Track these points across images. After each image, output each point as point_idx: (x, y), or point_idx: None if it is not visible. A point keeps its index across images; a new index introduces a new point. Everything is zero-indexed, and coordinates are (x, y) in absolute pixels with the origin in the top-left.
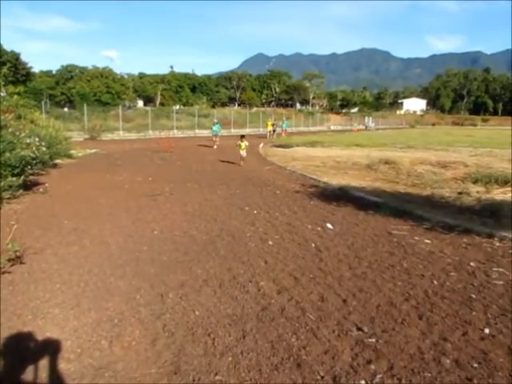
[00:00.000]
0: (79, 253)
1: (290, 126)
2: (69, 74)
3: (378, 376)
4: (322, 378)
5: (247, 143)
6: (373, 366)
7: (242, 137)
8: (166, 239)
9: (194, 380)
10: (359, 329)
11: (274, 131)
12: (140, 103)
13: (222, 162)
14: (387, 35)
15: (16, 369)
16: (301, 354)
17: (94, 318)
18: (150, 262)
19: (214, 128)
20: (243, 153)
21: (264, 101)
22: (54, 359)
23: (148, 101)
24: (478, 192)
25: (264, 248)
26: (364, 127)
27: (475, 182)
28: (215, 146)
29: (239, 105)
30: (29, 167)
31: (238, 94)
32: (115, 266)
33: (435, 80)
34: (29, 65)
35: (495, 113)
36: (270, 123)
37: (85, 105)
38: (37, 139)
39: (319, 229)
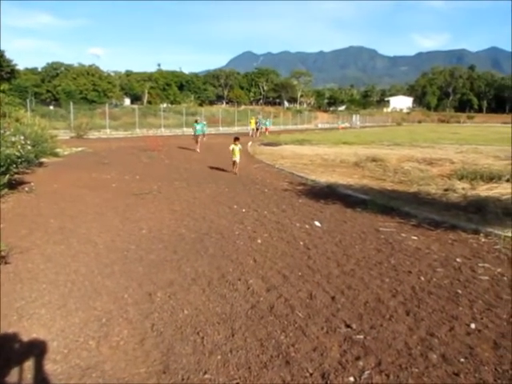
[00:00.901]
0: (66, 252)
1: (278, 124)
2: (54, 71)
3: (367, 372)
4: (311, 374)
5: (241, 147)
6: (361, 363)
7: (236, 139)
8: (154, 238)
9: (182, 379)
10: (347, 325)
11: (257, 129)
12: (127, 101)
13: (212, 166)
14: (374, 33)
15: (0, 370)
16: (290, 352)
17: (81, 317)
18: (138, 261)
19: (198, 127)
20: (237, 159)
21: (252, 99)
22: (40, 360)
23: (135, 99)
24: (463, 188)
25: (253, 246)
26: (349, 125)
27: (461, 178)
28: (198, 150)
29: (227, 103)
30: (14, 166)
31: (225, 92)
32: (103, 265)
33: (421, 78)
34: (13, 62)
35: (480, 110)
36: (253, 121)
37: (71, 103)
38: (22, 138)
39: (307, 226)
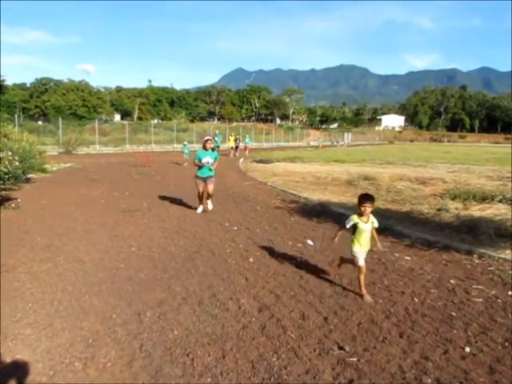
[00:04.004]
0: (53, 270)
1: (270, 141)
2: (43, 87)
3: None
4: None
5: (376, 224)
6: None
7: (365, 201)
8: (144, 256)
9: None
10: (340, 347)
11: (237, 147)
12: (117, 117)
13: None
14: (365, 52)
15: None
16: (282, 374)
17: (67, 338)
18: (127, 280)
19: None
20: (361, 262)
21: (244, 115)
22: (24, 382)
23: (125, 115)
24: (456, 208)
25: (244, 265)
26: (330, 143)
27: (454, 198)
28: (204, 206)
29: (219, 119)
30: (1, 182)
31: (217, 109)
32: (90, 283)
33: (413, 97)
34: (2, 77)
35: (472, 129)
36: (232, 138)
37: (60, 118)
38: (9, 153)
39: (300, 245)
